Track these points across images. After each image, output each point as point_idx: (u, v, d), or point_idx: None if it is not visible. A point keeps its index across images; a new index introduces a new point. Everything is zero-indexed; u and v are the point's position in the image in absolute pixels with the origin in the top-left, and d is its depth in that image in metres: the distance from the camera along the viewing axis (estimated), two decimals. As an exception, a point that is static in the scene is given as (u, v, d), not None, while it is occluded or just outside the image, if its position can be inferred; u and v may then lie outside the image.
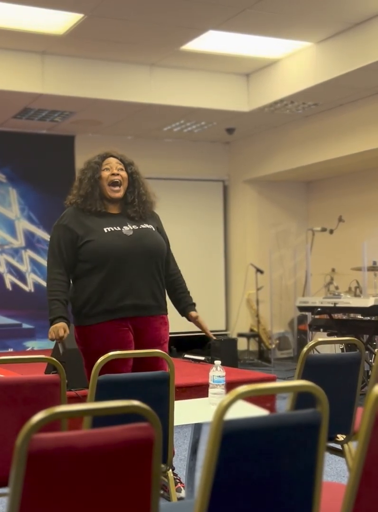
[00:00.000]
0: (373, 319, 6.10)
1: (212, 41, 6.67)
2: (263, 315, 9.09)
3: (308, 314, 7.40)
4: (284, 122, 8.50)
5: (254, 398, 2.94)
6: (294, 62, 7.17)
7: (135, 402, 1.39)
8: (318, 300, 6.42)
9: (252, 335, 9.11)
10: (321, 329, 6.55)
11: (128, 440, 1.38)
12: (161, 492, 3.19)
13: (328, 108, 7.87)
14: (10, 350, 8.31)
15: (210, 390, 2.96)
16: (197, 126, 8.59)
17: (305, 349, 2.78)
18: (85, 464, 1.35)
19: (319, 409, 1.51)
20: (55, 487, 1.33)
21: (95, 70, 7.20)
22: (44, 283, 8.39)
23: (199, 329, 3.64)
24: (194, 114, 8.00)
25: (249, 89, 7.82)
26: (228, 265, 9.64)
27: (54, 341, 3.42)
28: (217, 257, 9.55)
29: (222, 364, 3.00)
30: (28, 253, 8.54)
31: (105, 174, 3.44)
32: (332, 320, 6.33)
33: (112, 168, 3.45)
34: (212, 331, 3.62)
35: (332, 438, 2.96)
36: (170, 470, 2.83)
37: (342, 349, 6.30)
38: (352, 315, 6.33)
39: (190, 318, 3.59)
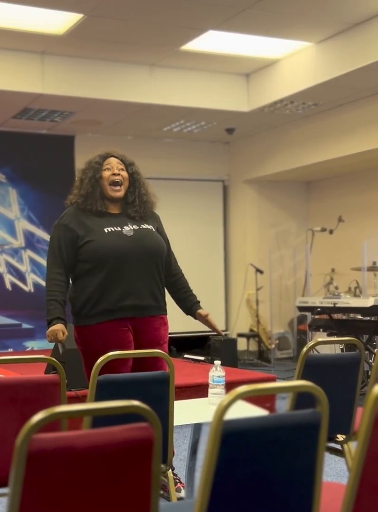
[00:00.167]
0: (372, 319, 6.10)
1: (212, 41, 6.67)
2: (262, 315, 9.09)
3: (308, 314, 7.40)
4: (283, 122, 8.50)
5: (253, 398, 2.94)
6: (294, 62, 7.18)
7: (135, 402, 1.39)
8: (317, 300, 6.42)
9: (251, 335, 9.11)
10: (321, 329, 6.55)
11: (128, 440, 1.38)
12: (161, 492, 3.19)
13: (328, 108, 7.87)
14: (10, 350, 8.31)
15: (210, 390, 2.96)
16: (197, 126, 8.59)
17: (304, 349, 2.78)
18: (85, 464, 1.35)
19: (318, 409, 1.51)
20: (55, 487, 1.33)
21: (95, 70, 7.20)
22: (44, 283, 8.35)
23: (198, 329, 3.64)
24: (194, 114, 8.00)
25: (248, 89, 7.83)
26: (228, 265, 9.64)
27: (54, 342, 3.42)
28: (216, 257, 9.55)
29: (221, 364, 3.00)
30: (28, 253, 8.54)
31: (106, 174, 3.44)
32: (332, 320, 6.33)
33: (113, 168, 3.45)
34: (211, 331, 3.62)
35: (331, 438, 2.96)
36: (170, 470, 2.83)
37: (341, 349, 6.30)
38: (351, 315, 6.33)
39: (197, 317, 3.58)
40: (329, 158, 7.98)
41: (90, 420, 2.32)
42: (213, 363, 2.98)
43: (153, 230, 3.49)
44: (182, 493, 3.39)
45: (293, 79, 7.18)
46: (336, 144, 7.85)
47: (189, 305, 3.60)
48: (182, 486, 3.45)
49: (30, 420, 1.30)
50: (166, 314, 3.50)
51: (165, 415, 2.61)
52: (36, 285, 8.53)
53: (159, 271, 3.44)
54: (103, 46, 6.77)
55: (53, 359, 2.51)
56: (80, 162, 4.12)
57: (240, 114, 7.99)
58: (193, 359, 6.91)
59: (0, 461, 2.35)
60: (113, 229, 3.38)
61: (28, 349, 8.39)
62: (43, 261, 8.43)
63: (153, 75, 7.45)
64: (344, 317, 6.42)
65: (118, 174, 3.44)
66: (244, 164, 9.39)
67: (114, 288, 3.32)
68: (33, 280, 8.55)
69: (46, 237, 8.37)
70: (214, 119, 8.24)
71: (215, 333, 3.65)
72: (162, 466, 2.63)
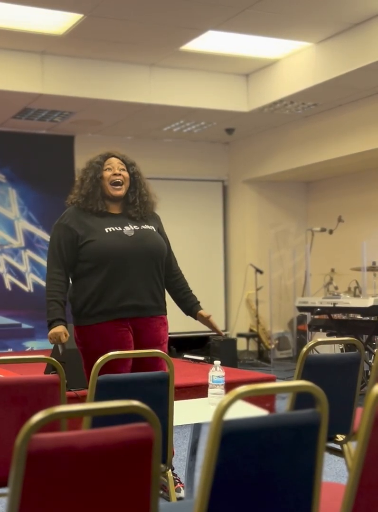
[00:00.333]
0: (372, 319, 6.10)
1: (212, 41, 6.67)
2: (262, 315, 9.09)
3: (308, 314, 7.40)
4: (283, 122, 8.50)
5: (253, 398, 2.94)
6: (293, 62, 7.18)
7: (135, 402, 1.39)
8: (317, 300, 6.42)
9: (251, 335, 9.11)
10: (321, 329, 6.55)
11: (127, 440, 1.38)
12: (161, 492, 3.19)
13: (328, 108, 7.87)
14: (10, 350, 8.31)
15: (209, 390, 2.96)
16: (197, 126, 8.59)
17: (304, 349, 2.78)
18: (84, 464, 1.35)
19: (318, 409, 1.51)
20: (55, 487, 1.33)
21: (95, 70, 7.20)
22: (43, 284, 8.34)
23: (198, 330, 3.64)
24: (194, 114, 8.00)
25: (248, 89, 7.83)
26: (228, 265, 9.64)
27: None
28: (216, 257, 9.55)
29: (221, 364, 3.00)
30: (28, 253, 8.54)
31: (107, 174, 3.44)
32: (332, 320, 6.33)
33: (114, 168, 3.45)
34: (211, 332, 3.62)
35: (331, 438, 2.96)
36: (170, 470, 2.83)
37: (341, 349, 6.30)
38: (351, 315, 6.33)
39: (198, 317, 3.59)
40: (328, 158, 7.98)
41: (90, 420, 2.32)
42: (213, 363, 2.98)
43: (154, 230, 3.49)
44: (182, 493, 3.39)
45: (292, 79, 7.18)
46: (335, 144, 7.85)
47: (189, 306, 3.60)
48: (182, 486, 3.45)
49: (30, 420, 1.30)
50: (166, 314, 3.50)
51: (165, 415, 2.62)
52: (36, 285, 8.53)
53: (160, 272, 3.45)
54: (103, 46, 6.77)
55: (53, 359, 2.51)
56: (80, 162, 4.12)
57: (239, 114, 7.99)
58: (192, 359, 6.91)
59: (0, 461, 2.35)
60: (113, 229, 3.38)
61: (28, 349, 8.39)
62: (43, 261, 8.43)
63: (153, 75, 7.45)
64: (343, 317, 6.42)
65: (119, 174, 3.44)
66: (244, 164, 9.39)
67: (114, 288, 3.32)
68: (33, 280, 8.55)
69: (46, 237, 8.37)
70: (214, 119, 8.24)
71: (215, 333, 3.65)
72: (162, 466, 2.63)
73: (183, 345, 8.28)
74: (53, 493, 1.33)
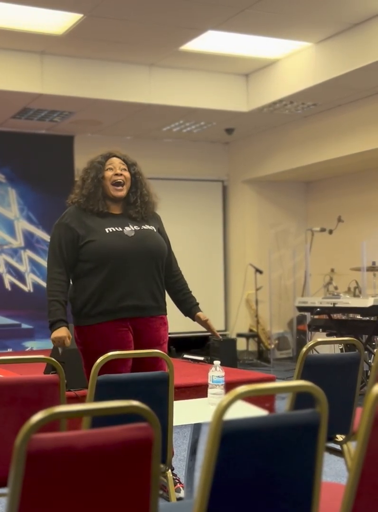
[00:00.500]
0: (372, 319, 6.10)
1: (211, 41, 6.67)
2: (262, 315, 9.09)
3: (307, 314, 7.40)
4: (283, 122, 8.50)
5: (253, 398, 2.94)
6: (293, 62, 7.18)
7: (135, 402, 1.39)
8: (317, 300, 6.42)
9: (251, 335, 9.11)
10: (320, 329, 6.55)
11: (127, 440, 1.38)
12: (161, 492, 3.19)
13: (327, 108, 7.87)
14: (9, 350, 8.30)
15: (209, 390, 2.96)
16: (196, 126, 8.59)
17: (304, 349, 2.78)
18: (84, 464, 1.35)
19: (318, 409, 1.51)
20: (54, 487, 1.33)
21: (95, 70, 7.20)
22: (43, 283, 8.41)
23: (198, 330, 3.64)
24: (193, 114, 8.00)
25: (248, 89, 7.83)
26: (227, 265, 9.64)
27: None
28: (216, 257, 9.55)
29: (221, 364, 3.00)
30: (27, 253, 8.54)
31: (109, 174, 3.44)
32: (331, 320, 6.33)
33: (116, 168, 3.45)
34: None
35: (331, 438, 2.95)
36: (170, 470, 2.83)
37: (341, 349, 6.30)
38: (351, 315, 6.33)
39: (195, 319, 3.59)
40: (328, 158, 7.98)
41: (90, 420, 2.32)
42: (212, 363, 2.98)
43: (155, 230, 3.49)
44: (182, 493, 3.39)
45: (292, 79, 7.18)
46: (335, 144, 7.85)
47: (188, 307, 3.60)
48: (182, 486, 3.45)
49: (29, 420, 1.30)
50: (166, 314, 3.50)
51: (164, 415, 2.62)
52: (35, 285, 8.53)
53: (160, 272, 3.45)
54: (102, 46, 6.77)
55: (53, 359, 2.51)
56: (79, 162, 4.12)
57: (239, 114, 7.99)
58: (192, 359, 6.92)
59: (-1, 461, 2.35)
60: (114, 230, 3.38)
61: (27, 349, 8.39)
62: (42, 261, 8.43)
63: (153, 75, 7.45)
64: (343, 317, 6.42)
65: (121, 174, 3.44)
66: (244, 164, 9.39)
67: (114, 289, 3.32)
68: (32, 280, 8.54)
69: (46, 237, 8.37)
70: (213, 119, 8.24)
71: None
72: (162, 466, 2.63)
73: (183, 345, 8.28)
74: (52, 493, 1.33)
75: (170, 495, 2.81)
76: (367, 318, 6.14)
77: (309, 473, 1.52)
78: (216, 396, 2.91)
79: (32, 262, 8.56)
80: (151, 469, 1.42)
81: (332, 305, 6.19)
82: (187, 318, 3.65)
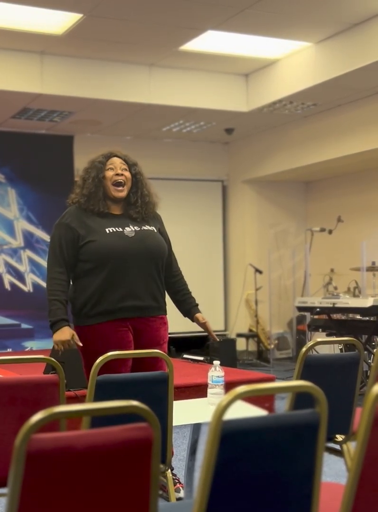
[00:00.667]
0: (372, 319, 6.10)
1: (211, 41, 6.67)
2: (261, 315, 9.09)
3: (307, 314, 7.40)
4: (283, 122, 8.50)
5: (252, 398, 2.94)
6: (293, 62, 7.18)
7: (134, 402, 1.39)
8: (317, 300, 6.42)
9: (250, 335, 9.11)
10: (320, 329, 6.55)
11: (127, 440, 1.38)
12: (160, 492, 3.19)
13: (327, 108, 7.87)
14: (9, 350, 8.30)
15: (209, 390, 2.96)
16: (196, 126, 8.59)
17: (304, 349, 2.78)
18: (84, 464, 1.35)
19: (317, 409, 1.51)
20: (54, 487, 1.33)
21: (95, 70, 7.19)
22: (43, 283, 8.41)
23: (198, 330, 3.64)
24: (193, 114, 8.00)
25: (248, 89, 7.83)
26: (227, 265, 9.64)
27: (52, 340, 3.41)
28: (216, 257, 9.55)
29: (220, 364, 3.00)
30: (27, 253, 8.54)
31: (109, 174, 3.44)
32: (331, 320, 6.33)
33: (116, 168, 3.44)
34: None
35: (331, 439, 2.95)
36: (169, 471, 2.83)
37: (341, 349, 6.30)
38: (351, 315, 6.33)
39: (194, 320, 3.60)
40: (328, 158, 7.98)
41: (89, 420, 2.32)
42: (212, 363, 2.97)
43: (155, 231, 3.49)
44: (182, 493, 3.39)
45: (292, 79, 7.18)
46: (335, 144, 7.86)
47: (188, 307, 3.61)
48: (182, 486, 3.45)
49: (29, 420, 1.30)
50: (166, 314, 3.50)
51: (164, 415, 2.62)
52: (35, 285, 8.53)
53: (160, 272, 3.45)
54: (102, 46, 6.77)
55: (52, 359, 2.51)
56: (79, 162, 4.12)
57: (239, 114, 7.99)
58: (192, 359, 6.92)
59: (-1, 461, 2.35)
60: (114, 230, 3.38)
61: (27, 349, 8.39)
62: (42, 261, 8.43)
63: (153, 75, 7.45)
64: (343, 317, 6.42)
65: (121, 175, 3.44)
66: (243, 164, 9.39)
67: (115, 289, 3.32)
68: (32, 280, 8.54)
69: (46, 237, 8.37)
70: (213, 119, 8.24)
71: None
72: (162, 466, 2.63)
73: (183, 345, 8.28)
74: (52, 493, 1.33)
75: (170, 495, 2.81)
76: (367, 318, 6.14)
77: (309, 473, 1.52)
78: (215, 396, 2.91)
79: (31, 262, 8.56)
80: (151, 469, 1.42)
81: (331, 305, 6.19)
82: (187, 318, 3.66)
